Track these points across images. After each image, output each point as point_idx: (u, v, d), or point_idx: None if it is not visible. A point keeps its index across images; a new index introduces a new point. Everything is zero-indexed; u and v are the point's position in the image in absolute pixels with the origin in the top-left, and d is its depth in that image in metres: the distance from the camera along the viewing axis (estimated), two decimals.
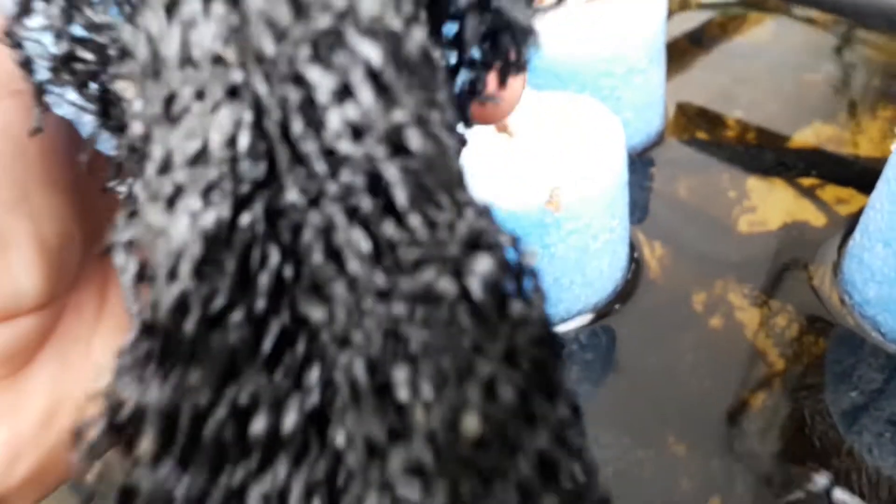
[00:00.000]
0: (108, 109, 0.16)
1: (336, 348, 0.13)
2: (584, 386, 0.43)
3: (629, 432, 0.41)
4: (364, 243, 0.12)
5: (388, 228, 0.12)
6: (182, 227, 0.12)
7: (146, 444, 0.13)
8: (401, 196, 0.12)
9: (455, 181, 0.13)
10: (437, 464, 0.13)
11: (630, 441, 0.40)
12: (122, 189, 0.16)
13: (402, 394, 0.13)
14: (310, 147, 0.13)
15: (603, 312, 0.47)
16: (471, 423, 0.13)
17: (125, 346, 0.14)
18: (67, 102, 0.16)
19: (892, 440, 0.39)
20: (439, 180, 0.12)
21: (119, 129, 0.16)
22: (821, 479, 0.38)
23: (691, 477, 0.39)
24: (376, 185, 0.12)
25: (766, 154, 0.56)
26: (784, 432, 0.40)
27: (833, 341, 0.44)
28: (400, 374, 0.13)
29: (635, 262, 0.49)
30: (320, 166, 0.13)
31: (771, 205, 0.52)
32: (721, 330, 0.45)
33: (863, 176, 0.48)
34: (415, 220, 0.12)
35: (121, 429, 0.14)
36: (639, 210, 0.52)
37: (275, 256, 0.13)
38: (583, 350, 0.45)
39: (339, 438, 0.14)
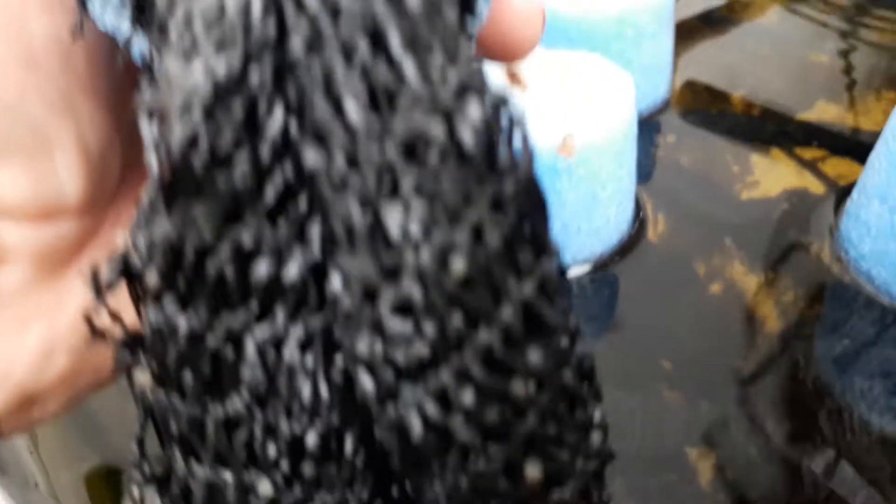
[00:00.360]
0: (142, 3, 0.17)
1: (334, 195, 0.14)
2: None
3: (623, 384, 0.41)
4: (361, 88, 0.13)
5: (383, 73, 0.13)
6: (196, 73, 0.13)
7: (152, 276, 0.14)
8: (395, 41, 0.13)
9: (450, 32, 0.13)
10: (425, 301, 0.14)
11: (623, 394, 0.41)
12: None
13: (394, 232, 0.13)
14: (313, 3, 0.13)
15: (604, 264, 0.47)
16: (458, 263, 0.13)
17: (142, 199, 0.15)
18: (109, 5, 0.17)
19: (884, 389, 0.40)
20: (434, 28, 0.13)
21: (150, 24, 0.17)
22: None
23: (684, 427, 0.39)
24: (373, 32, 0.13)
25: (768, 125, 0.57)
26: (780, 382, 0.41)
27: (829, 296, 0.46)
28: (392, 214, 0.13)
29: (640, 220, 0.50)
30: (323, 19, 0.13)
31: (772, 174, 0.53)
32: (719, 290, 0.46)
33: (865, 149, 0.48)
34: (408, 65, 0.13)
35: (133, 270, 0.15)
36: (643, 173, 0.53)
37: (279, 109, 0.14)
38: (582, 299, 0.46)
39: (335, 283, 0.15)
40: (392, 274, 0.14)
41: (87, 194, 0.19)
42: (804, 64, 0.62)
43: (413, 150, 0.13)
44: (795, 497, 0.37)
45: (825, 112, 0.57)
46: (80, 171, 0.18)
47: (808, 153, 0.54)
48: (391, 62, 0.13)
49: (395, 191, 0.14)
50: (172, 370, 0.15)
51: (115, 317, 0.15)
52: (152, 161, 0.15)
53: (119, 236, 0.16)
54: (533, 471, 0.15)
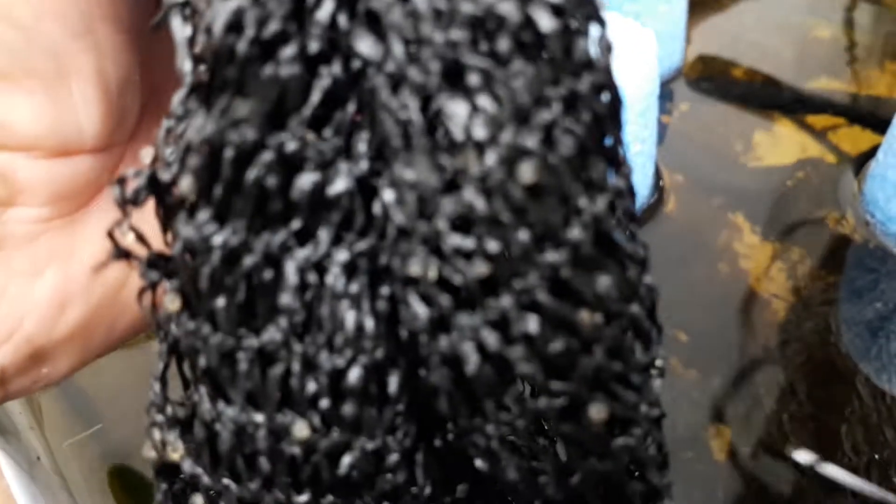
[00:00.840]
0: None
1: (389, 91, 0.12)
2: None
3: None
4: None
5: None
6: None
7: (186, 181, 0.13)
8: None
9: None
10: (488, 213, 0.12)
11: None
12: None
13: (457, 131, 0.12)
14: None
15: None
16: (527, 170, 0.12)
17: (173, 104, 0.14)
18: None
19: None
20: None
21: None
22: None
23: (701, 401, 0.38)
24: None
25: (780, 94, 0.56)
26: (806, 346, 0.40)
27: (854, 261, 0.44)
28: (455, 112, 0.12)
29: (660, 188, 0.49)
30: None
31: (786, 143, 0.52)
32: (735, 260, 0.45)
33: (877, 118, 0.48)
34: None
35: (162, 183, 0.14)
36: (657, 139, 0.52)
37: None
38: None
39: (387, 196, 0.13)
40: (452, 182, 0.12)
41: (106, 131, 0.18)
42: (810, 36, 0.61)
43: (482, 35, 0.12)
44: (821, 472, 0.35)
45: (830, 86, 0.57)
46: (99, 105, 0.17)
47: (819, 123, 0.53)
48: None
49: (459, 85, 0.12)
50: (204, 294, 0.14)
51: (140, 236, 0.14)
52: (184, 63, 0.13)
53: (144, 152, 0.14)
54: (598, 411, 0.14)
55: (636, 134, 0.42)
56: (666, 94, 0.56)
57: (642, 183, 0.46)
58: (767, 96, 0.56)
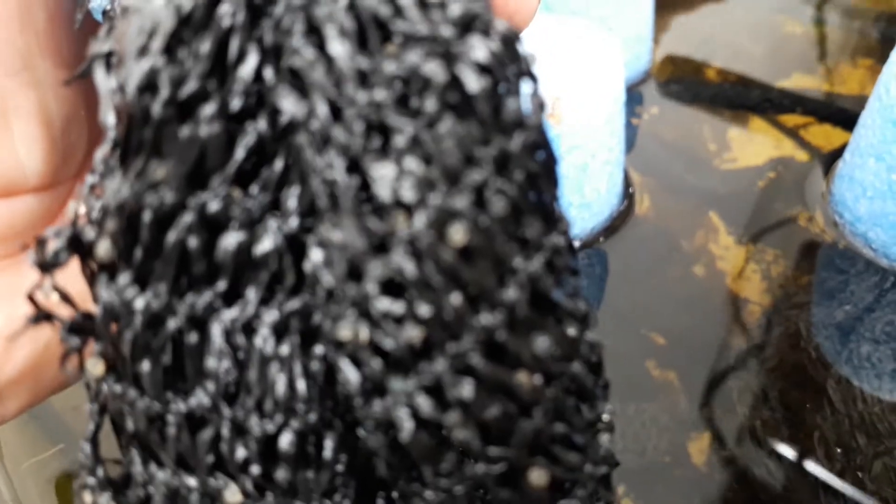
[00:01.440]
0: None
1: (315, 151, 0.12)
2: None
3: (614, 362, 0.40)
4: (346, 18, 0.11)
5: (373, 2, 0.11)
6: (157, 3, 0.11)
7: (103, 246, 0.12)
8: None
9: None
10: (419, 276, 0.12)
11: (614, 372, 0.39)
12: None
13: (384, 193, 0.12)
14: None
15: (594, 239, 0.46)
16: (457, 233, 0.12)
17: (96, 160, 0.13)
18: None
19: (888, 353, 0.39)
20: None
21: None
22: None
23: (674, 406, 0.38)
24: None
25: (750, 94, 0.56)
26: (779, 354, 0.40)
27: (824, 262, 0.44)
28: (382, 174, 0.11)
29: (629, 194, 0.49)
30: None
31: (756, 143, 0.52)
32: (710, 262, 0.45)
33: (847, 115, 0.48)
34: None
35: (84, 242, 0.13)
36: (626, 145, 0.52)
37: (253, 49, 0.12)
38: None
39: (315, 257, 0.13)
40: (381, 245, 0.12)
41: (50, 170, 0.17)
42: (781, 33, 0.62)
43: (407, 96, 0.11)
44: (798, 474, 0.35)
45: (802, 82, 0.57)
46: (42, 144, 0.17)
47: (791, 121, 0.53)
48: None
49: (385, 146, 0.12)
50: (128, 358, 0.13)
51: (63, 295, 0.13)
52: (107, 116, 0.13)
53: (70, 206, 0.14)
54: (538, 477, 0.13)
55: (603, 142, 0.42)
56: (635, 97, 0.56)
57: (611, 191, 0.45)
58: (737, 96, 0.56)
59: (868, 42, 0.60)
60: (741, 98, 0.56)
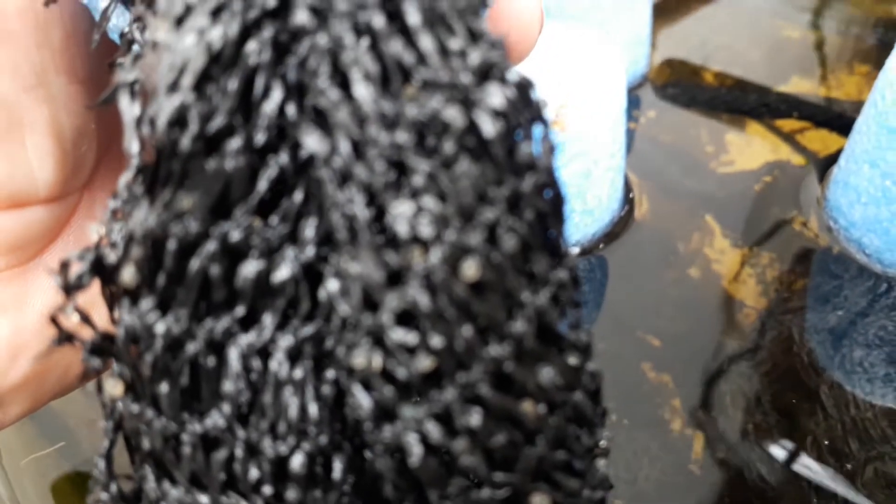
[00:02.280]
0: None
1: (335, 186, 0.12)
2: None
3: (612, 365, 0.41)
4: (371, 63, 0.12)
5: (398, 49, 0.12)
6: (188, 41, 0.12)
7: (128, 273, 0.13)
8: (413, 14, 0.12)
9: (470, 9, 0.12)
10: (432, 309, 0.12)
11: (611, 375, 0.40)
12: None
13: (402, 229, 0.12)
14: None
15: (595, 245, 0.47)
16: (470, 268, 0.12)
17: (120, 186, 0.14)
18: None
19: (880, 358, 0.40)
20: (454, 5, 0.12)
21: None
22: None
23: (670, 408, 0.38)
24: (389, 2, 0.12)
25: (747, 98, 0.57)
26: (776, 352, 0.41)
27: (819, 267, 0.45)
28: (400, 210, 0.12)
29: (630, 200, 0.49)
30: None
31: (753, 147, 0.53)
32: (707, 267, 0.45)
33: (843, 120, 0.49)
34: (426, 42, 0.12)
35: (106, 266, 0.14)
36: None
37: (278, 87, 0.12)
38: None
39: (331, 287, 0.13)
40: (397, 277, 0.12)
41: (59, 182, 0.17)
42: (779, 38, 0.62)
43: (427, 137, 0.12)
44: (790, 475, 0.36)
45: (799, 87, 0.57)
46: (53, 156, 0.17)
47: (788, 125, 0.54)
48: (407, 38, 0.12)
49: (404, 184, 0.12)
50: (147, 379, 0.14)
51: (85, 317, 0.14)
52: (132, 144, 0.13)
53: (92, 229, 0.14)
54: (541, 502, 0.14)
55: (606, 148, 0.42)
56: (633, 101, 0.57)
57: (613, 196, 0.46)
58: (734, 100, 0.57)
59: (866, 48, 0.61)
60: (738, 102, 0.56)
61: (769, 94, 0.57)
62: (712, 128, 0.55)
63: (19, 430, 0.38)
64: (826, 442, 0.36)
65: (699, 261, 0.46)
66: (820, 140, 0.53)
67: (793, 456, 0.36)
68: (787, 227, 0.47)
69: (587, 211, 0.44)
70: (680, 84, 0.59)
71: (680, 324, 0.43)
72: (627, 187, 0.50)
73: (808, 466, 0.36)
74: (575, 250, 0.46)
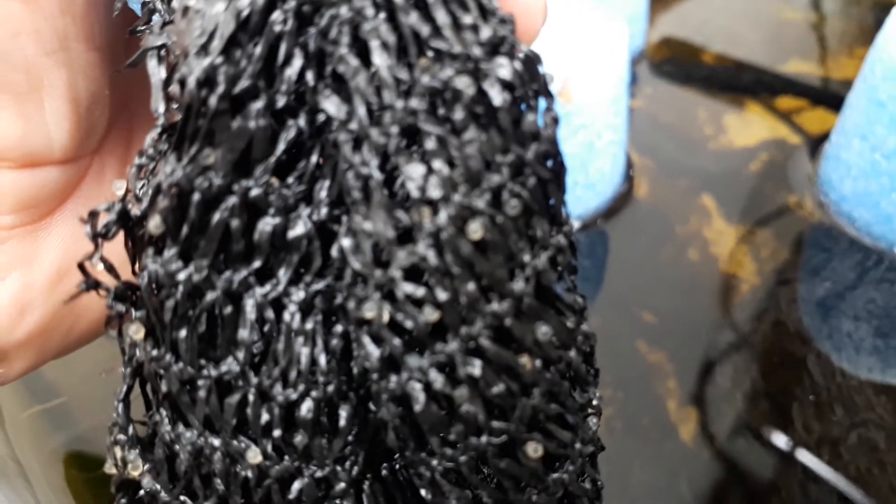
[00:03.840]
0: None
1: (351, 148, 0.13)
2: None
3: (607, 341, 0.42)
4: (389, 33, 0.13)
5: (415, 21, 0.13)
6: (218, 7, 0.13)
7: (154, 221, 0.14)
8: None
9: None
10: (439, 265, 0.13)
11: (606, 350, 0.41)
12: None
13: (413, 190, 0.13)
14: None
15: (595, 220, 0.48)
16: (476, 227, 0.13)
17: (146, 144, 0.15)
18: None
19: (868, 331, 0.41)
20: None
21: None
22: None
23: (663, 385, 0.40)
24: None
25: (744, 77, 0.58)
26: (770, 327, 0.42)
27: (811, 242, 0.46)
28: (413, 170, 0.13)
29: (630, 175, 0.51)
30: None
31: (750, 125, 0.54)
32: (703, 244, 0.47)
33: (840, 100, 0.49)
34: (440, 15, 0.13)
35: (131, 217, 0.14)
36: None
37: (299, 56, 0.13)
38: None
39: (345, 244, 0.14)
40: (406, 236, 0.13)
41: (74, 145, 0.18)
42: (779, 19, 0.63)
43: (439, 105, 0.13)
44: (780, 451, 0.37)
45: (799, 67, 0.58)
46: (69, 120, 0.18)
47: (784, 104, 0.55)
48: (423, 11, 0.13)
49: (416, 148, 0.13)
50: (167, 325, 0.15)
51: (109, 266, 0.15)
52: (158, 105, 0.14)
53: (115, 185, 0.15)
54: (534, 449, 0.15)
55: (608, 121, 0.44)
56: (630, 78, 0.58)
57: (614, 171, 0.47)
58: (730, 78, 0.58)
59: (865, 29, 0.62)
60: (735, 80, 0.58)
61: (766, 73, 0.58)
62: (709, 106, 0.56)
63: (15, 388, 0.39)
64: (813, 409, 0.38)
65: (696, 237, 0.47)
66: (817, 120, 0.54)
67: (780, 426, 0.37)
68: (782, 203, 0.48)
69: (589, 184, 0.46)
70: (677, 62, 0.60)
71: (676, 299, 0.44)
72: (628, 163, 0.51)
73: (794, 437, 0.37)
74: (575, 223, 0.46)
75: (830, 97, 0.55)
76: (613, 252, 0.47)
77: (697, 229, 0.47)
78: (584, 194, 0.46)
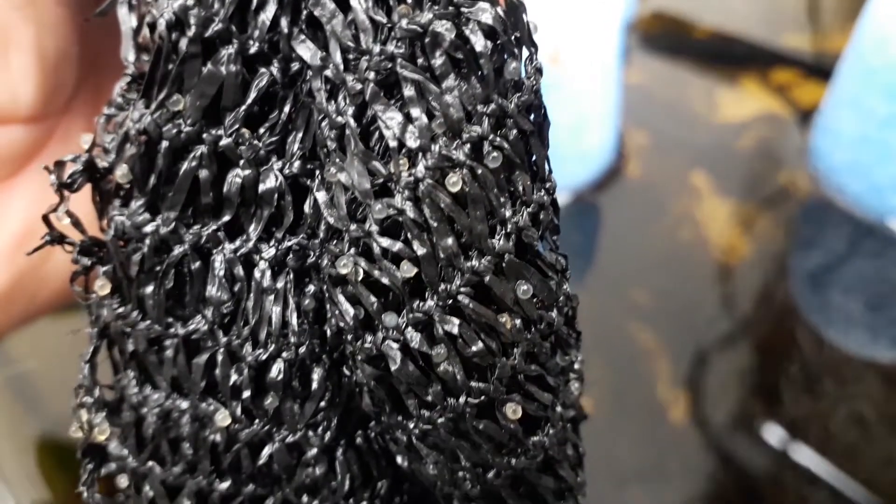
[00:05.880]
0: None
1: (326, 98, 0.13)
2: None
3: (598, 317, 0.42)
4: None
5: None
6: None
7: (121, 170, 0.13)
8: None
9: None
10: (417, 218, 0.13)
11: (596, 325, 0.41)
12: None
13: (391, 142, 0.13)
14: None
15: (587, 193, 0.48)
16: (455, 179, 0.13)
17: (115, 93, 0.14)
18: None
19: (859, 302, 0.41)
20: None
21: None
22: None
23: (654, 366, 0.40)
24: None
25: (736, 51, 0.58)
26: (761, 303, 0.42)
27: (803, 214, 0.47)
28: (390, 121, 0.13)
29: (621, 148, 0.51)
30: None
31: (742, 99, 0.54)
32: (694, 218, 0.47)
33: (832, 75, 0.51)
34: None
35: (98, 169, 0.14)
36: None
37: (274, 2, 0.13)
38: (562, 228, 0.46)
39: (319, 197, 0.14)
40: (384, 187, 0.13)
41: (40, 103, 0.18)
42: None
43: (418, 51, 0.13)
44: (770, 434, 0.37)
45: (795, 40, 0.59)
46: (35, 77, 0.18)
47: (778, 79, 0.56)
48: None
49: (394, 96, 0.13)
50: (134, 280, 0.14)
51: (77, 221, 0.14)
52: (129, 52, 0.14)
53: (83, 138, 0.15)
54: (513, 411, 0.15)
55: (601, 92, 0.44)
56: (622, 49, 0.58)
57: (606, 142, 0.48)
58: (723, 52, 0.58)
59: (861, 4, 0.62)
60: (727, 53, 0.58)
61: (758, 48, 0.58)
62: (701, 80, 0.56)
63: None
64: (803, 387, 0.38)
65: (687, 213, 0.47)
66: (810, 93, 0.54)
67: (781, 430, 0.37)
68: (774, 177, 0.49)
69: (582, 156, 0.46)
70: (667, 36, 0.60)
71: (666, 275, 0.44)
72: (620, 134, 0.51)
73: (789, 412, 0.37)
74: (566, 194, 0.46)
75: (824, 70, 0.55)
76: (604, 227, 0.47)
77: (688, 202, 0.48)
78: (576, 168, 0.46)
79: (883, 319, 0.41)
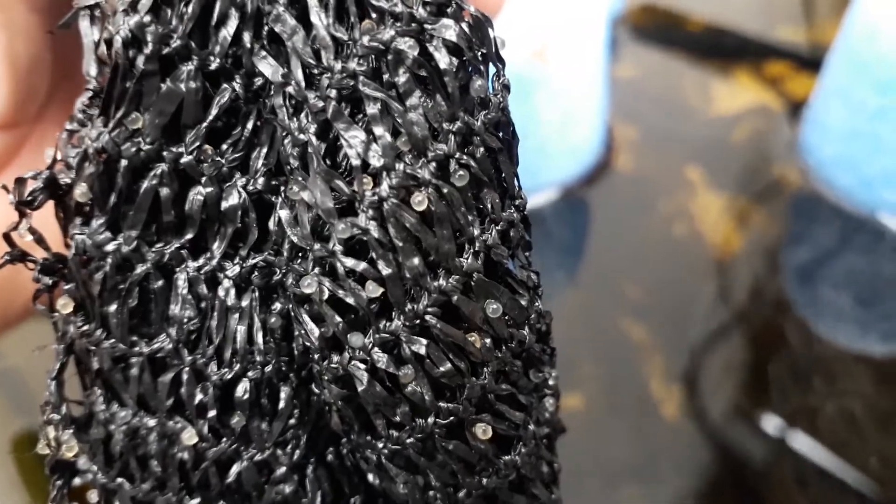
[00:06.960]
0: None
1: (289, 114, 0.13)
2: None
3: (588, 312, 0.42)
4: None
5: None
6: None
7: (80, 189, 0.13)
8: None
9: None
10: (382, 238, 0.13)
11: (586, 321, 0.41)
12: None
13: (354, 161, 0.13)
14: None
15: (575, 188, 0.48)
16: (421, 198, 0.13)
17: (76, 108, 0.14)
18: None
19: (848, 296, 0.41)
20: None
21: None
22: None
23: (645, 361, 0.40)
24: None
25: (728, 43, 0.58)
26: (751, 297, 0.42)
27: (793, 208, 0.46)
28: (353, 139, 0.13)
29: (610, 143, 0.50)
30: None
31: (733, 92, 0.54)
32: (685, 212, 0.47)
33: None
34: None
35: (60, 186, 0.14)
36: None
37: (235, 16, 0.13)
38: (554, 224, 0.46)
39: (282, 216, 0.14)
40: (349, 206, 0.13)
41: (11, 110, 0.18)
42: None
43: (381, 68, 0.12)
44: (764, 429, 0.37)
45: (788, 33, 0.58)
46: (6, 83, 0.18)
47: (769, 71, 0.55)
48: None
49: (357, 114, 0.13)
50: (97, 298, 0.14)
51: (39, 237, 0.14)
52: (90, 66, 0.14)
53: (46, 153, 0.14)
54: (484, 431, 0.14)
55: (589, 87, 0.43)
56: (609, 43, 0.58)
57: (594, 136, 0.47)
58: (714, 43, 0.58)
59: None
60: (718, 49, 0.57)
61: (750, 40, 0.58)
62: (692, 73, 0.56)
63: None
64: (795, 379, 0.38)
65: (680, 207, 0.47)
66: (805, 86, 0.54)
67: (775, 424, 0.37)
68: (766, 171, 0.49)
69: (570, 150, 0.46)
70: (657, 28, 0.59)
71: (658, 270, 0.44)
72: (609, 128, 0.51)
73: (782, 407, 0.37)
74: (555, 190, 0.46)
75: (818, 63, 0.55)
76: (595, 222, 0.47)
77: (682, 198, 0.47)
78: (565, 163, 0.46)
79: (873, 314, 0.41)
